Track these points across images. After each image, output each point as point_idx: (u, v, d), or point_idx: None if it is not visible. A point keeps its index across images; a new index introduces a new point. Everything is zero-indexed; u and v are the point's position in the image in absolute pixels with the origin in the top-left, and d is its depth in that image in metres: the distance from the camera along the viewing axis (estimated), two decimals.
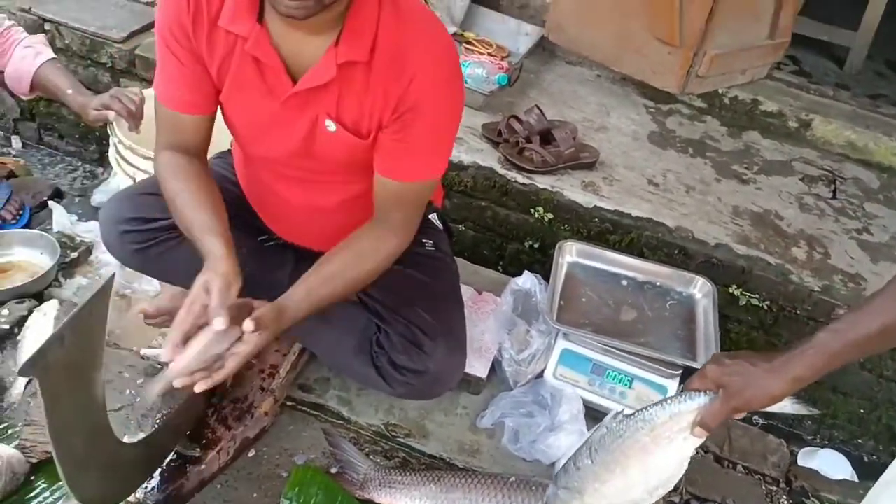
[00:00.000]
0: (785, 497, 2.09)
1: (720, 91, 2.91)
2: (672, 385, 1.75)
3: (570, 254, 1.99)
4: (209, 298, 1.23)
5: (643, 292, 1.95)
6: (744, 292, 2.30)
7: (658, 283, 1.97)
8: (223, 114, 1.49)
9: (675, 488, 1.94)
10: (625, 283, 1.97)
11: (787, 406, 1.18)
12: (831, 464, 2.20)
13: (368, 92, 1.33)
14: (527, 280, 1.95)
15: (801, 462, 2.19)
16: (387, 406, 1.80)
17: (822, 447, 2.34)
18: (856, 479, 2.20)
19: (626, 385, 1.76)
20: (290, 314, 1.36)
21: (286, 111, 1.37)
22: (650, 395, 1.74)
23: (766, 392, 1.11)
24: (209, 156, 1.57)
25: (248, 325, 1.23)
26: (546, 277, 1.98)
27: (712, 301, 1.88)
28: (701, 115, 2.94)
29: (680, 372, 1.75)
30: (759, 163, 2.73)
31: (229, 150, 1.82)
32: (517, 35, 2.97)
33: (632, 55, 2.70)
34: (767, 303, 2.30)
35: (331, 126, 1.37)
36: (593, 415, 1.76)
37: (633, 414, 1.22)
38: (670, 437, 1.19)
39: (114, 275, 1.12)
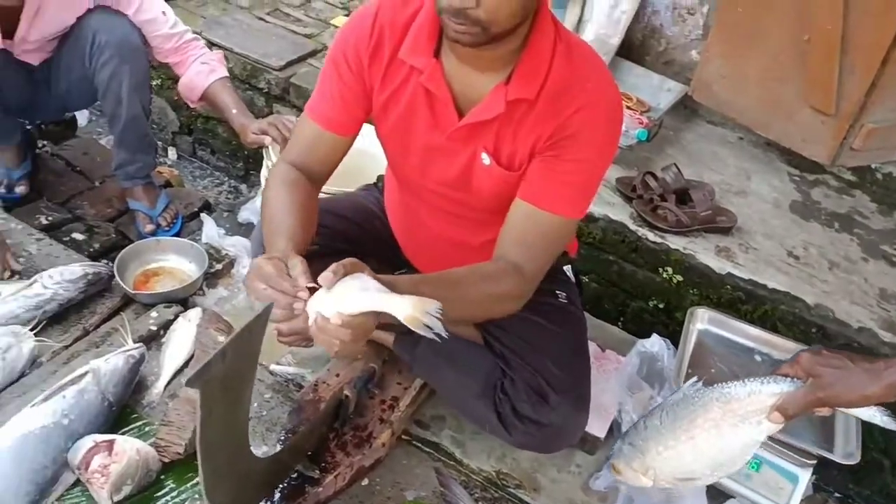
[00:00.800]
0: None
1: (873, 166, 2.77)
2: (804, 475, 1.65)
3: (703, 321, 1.93)
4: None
5: None
6: None
7: None
8: (384, 143, 1.54)
9: None
10: (759, 358, 1.89)
11: (875, 415, 1.11)
12: None
13: (527, 127, 1.35)
14: (655, 343, 1.91)
15: None
16: (499, 453, 1.79)
17: None
18: None
19: (753, 468, 1.68)
20: (393, 286, 1.20)
21: (449, 143, 1.41)
22: (779, 482, 1.65)
23: (858, 390, 1.07)
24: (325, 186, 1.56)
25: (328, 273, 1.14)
26: (671, 340, 1.93)
27: None
28: (850, 189, 2.79)
29: (814, 462, 1.65)
30: None
31: (375, 184, 1.89)
32: (659, 90, 2.94)
33: (781, 121, 2.61)
34: None
35: (486, 159, 1.40)
36: (713, 493, 1.69)
37: (713, 385, 1.18)
38: (744, 416, 1.14)
39: (273, 304, 1.15)
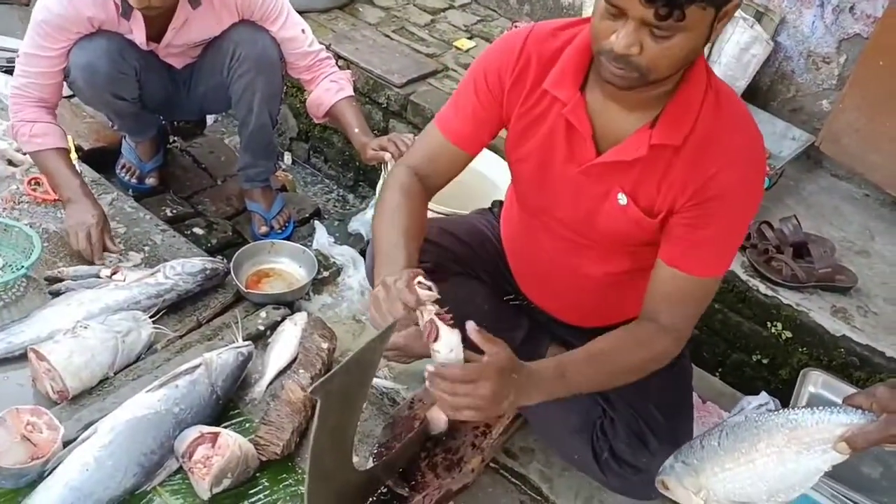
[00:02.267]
0: None
1: None
2: None
3: (816, 385, 1.85)
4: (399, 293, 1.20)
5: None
6: None
7: None
8: (515, 168, 1.55)
9: None
10: None
11: None
12: None
13: (670, 175, 1.33)
14: (763, 400, 1.83)
15: None
16: (587, 494, 1.76)
17: None
18: None
19: None
20: (537, 376, 1.28)
21: (583, 178, 1.41)
22: None
23: None
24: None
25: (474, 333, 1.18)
26: (775, 396, 1.85)
27: None
28: None
29: None
30: None
31: (490, 209, 1.90)
32: (783, 138, 2.83)
33: None
34: None
35: (622, 200, 1.38)
36: None
37: (778, 410, 1.15)
38: (809, 445, 1.11)
39: (397, 320, 1.17)
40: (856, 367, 2.20)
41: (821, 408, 1.13)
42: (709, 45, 2.74)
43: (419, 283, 1.19)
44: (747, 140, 1.32)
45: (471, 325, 1.20)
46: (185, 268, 1.94)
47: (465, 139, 1.51)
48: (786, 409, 1.16)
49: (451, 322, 1.20)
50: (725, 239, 1.36)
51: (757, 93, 2.95)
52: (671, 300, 1.39)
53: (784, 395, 1.86)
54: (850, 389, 1.85)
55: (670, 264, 1.37)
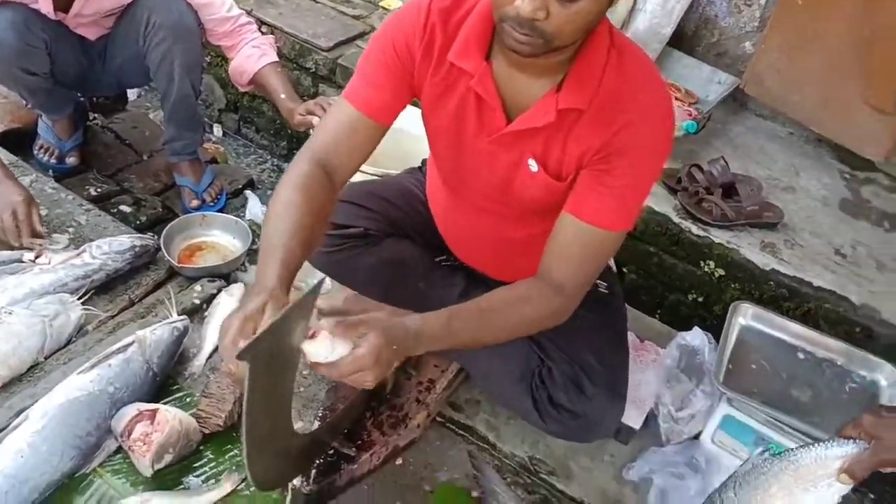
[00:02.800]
0: None
1: None
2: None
3: (745, 317, 1.90)
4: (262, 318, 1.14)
5: (821, 370, 1.83)
6: None
7: (838, 363, 1.84)
8: (430, 139, 1.54)
9: None
10: (801, 356, 1.86)
11: None
12: None
13: (576, 136, 1.33)
14: (696, 336, 1.88)
15: None
16: (533, 439, 1.79)
17: None
18: None
19: None
20: (424, 337, 1.27)
21: (495, 148, 1.40)
22: None
23: None
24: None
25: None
26: (714, 337, 1.91)
27: None
28: None
29: None
30: None
31: (419, 168, 1.89)
32: (709, 83, 2.88)
33: (837, 118, 2.55)
34: None
35: (533, 167, 1.38)
36: None
37: (779, 453, 1.22)
38: (814, 481, 1.17)
39: (322, 279, 1.18)
40: (785, 298, 2.28)
41: (816, 443, 1.21)
42: None
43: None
44: (652, 97, 1.32)
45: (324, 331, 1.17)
46: (112, 246, 1.89)
47: (379, 109, 1.42)
48: (787, 451, 1.22)
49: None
50: (627, 192, 1.34)
51: (682, 39, 2.98)
52: (566, 252, 1.37)
53: (718, 330, 1.91)
54: (780, 320, 1.93)
55: (570, 212, 1.36)
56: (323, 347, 1.14)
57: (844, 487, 1.17)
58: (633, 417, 1.78)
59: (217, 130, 3.27)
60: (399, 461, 1.70)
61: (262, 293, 1.17)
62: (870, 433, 1.15)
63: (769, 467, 1.22)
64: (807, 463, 1.19)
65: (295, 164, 1.40)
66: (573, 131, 1.33)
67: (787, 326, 1.91)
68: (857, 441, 1.16)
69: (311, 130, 2.20)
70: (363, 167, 1.96)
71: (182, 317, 1.76)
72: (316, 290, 1.12)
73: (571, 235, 1.36)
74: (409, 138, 2.10)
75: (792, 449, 1.22)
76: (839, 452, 1.17)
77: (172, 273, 1.99)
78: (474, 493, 1.63)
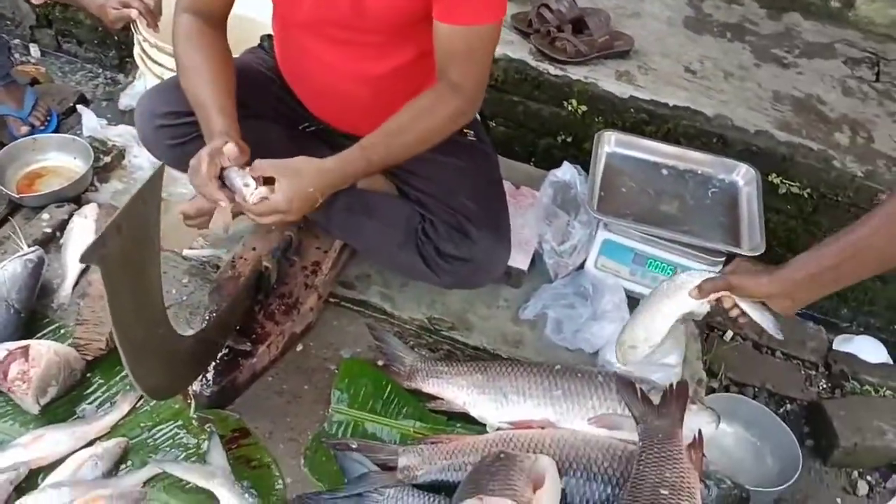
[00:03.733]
0: (824, 380, 2.12)
1: None
2: (716, 272, 1.73)
3: (610, 144, 1.95)
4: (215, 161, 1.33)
5: (684, 181, 1.91)
6: (784, 180, 2.26)
7: (699, 172, 1.93)
8: None
9: (715, 374, 2.00)
10: (665, 172, 1.93)
11: (766, 318, 1.32)
12: (868, 350, 2.21)
13: None
14: (566, 171, 1.92)
15: (837, 348, 2.20)
16: (429, 301, 1.81)
17: (858, 334, 2.34)
18: (892, 363, 2.21)
19: (668, 274, 1.75)
20: (341, 172, 1.39)
21: None
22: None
23: (757, 282, 1.26)
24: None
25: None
26: (583, 170, 1.95)
27: (756, 187, 1.84)
28: None
29: (723, 259, 1.73)
30: (800, 46, 2.63)
31: (260, 45, 1.77)
32: None
33: None
34: (808, 190, 2.26)
35: None
36: (634, 304, 1.76)
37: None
38: (670, 294, 1.41)
39: (163, 165, 1.11)
40: (646, 122, 2.35)
41: (692, 272, 1.43)
42: None
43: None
44: None
45: (257, 164, 1.34)
46: None
47: None
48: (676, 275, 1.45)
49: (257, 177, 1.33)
50: None
51: None
52: (455, 56, 1.40)
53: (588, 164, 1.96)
54: (642, 141, 1.99)
55: (444, 21, 1.37)
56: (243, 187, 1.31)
57: (690, 303, 1.38)
58: (519, 260, 1.82)
59: (34, 50, 2.96)
60: (300, 347, 1.68)
61: (217, 137, 1.34)
62: (728, 270, 1.35)
63: (657, 287, 1.46)
64: (676, 280, 1.42)
65: (176, 25, 1.48)
66: None
67: (649, 146, 1.97)
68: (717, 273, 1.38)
69: (132, 27, 2.02)
70: None
71: (34, 248, 1.64)
72: (157, 176, 1.04)
73: (454, 41, 1.39)
74: (244, 22, 1.96)
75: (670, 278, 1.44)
76: (699, 277, 1.38)
77: (14, 206, 1.84)
78: (379, 363, 1.64)
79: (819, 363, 2.13)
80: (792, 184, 2.26)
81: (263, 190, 1.32)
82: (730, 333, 2.15)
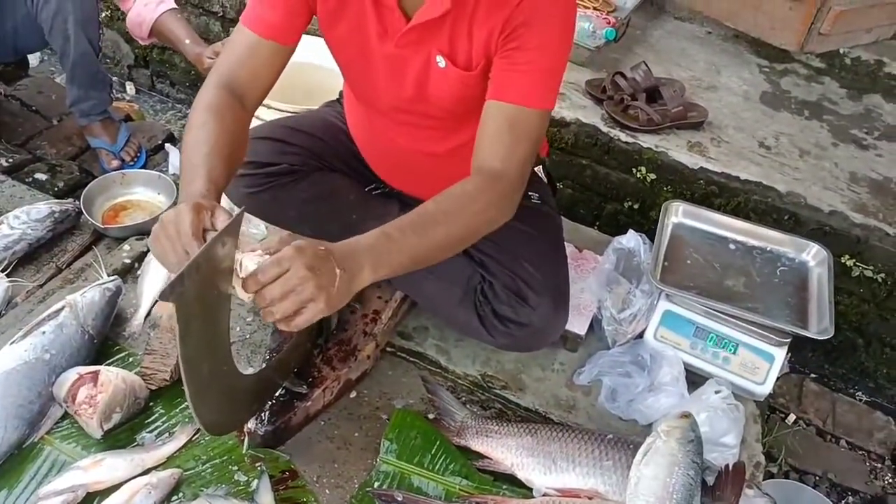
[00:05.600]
0: (890, 474, 2.02)
1: (841, 51, 2.75)
2: (780, 353, 1.69)
3: (677, 214, 1.94)
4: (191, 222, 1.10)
5: (752, 257, 1.89)
6: (857, 263, 2.20)
7: (768, 249, 1.90)
8: (335, 56, 1.49)
9: (774, 458, 1.93)
10: (733, 246, 1.91)
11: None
12: None
13: (477, 21, 1.31)
14: (631, 239, 1.91)
15: None
16: (484, 358, 1.82)
17: None
18: None
19: (730, 351, 1.72)
20: (357, 245, 1.18)
21: (401, 51, 1.37)
22: (756, 361, 1.69)
23: None
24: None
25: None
26: (648, 238, 1.94)
27: (827, 269, 1.79)
28: (819, 76, 2.78)
29: (789, 340, 1.69)
30: (880, 128, 2.58)
31: (338, 100, 1.85)
32: None
33: (750, 10, 2.57)
34: (882, 275, 2.20)
35: (441, 62, 1.36)
36: (693, 379, 1.73)
37: None
38: None
39: (244, 208, 1.16)
40: (716, 195, 2.33)
41: None
42: None
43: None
44: None
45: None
46: (30, 215, 1.83)
47: (277, 30, 1.38)
48: None
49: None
50: (544, 62, 1.33)
51: None
52: (498, 138, 1.33)
53: (655, 233, 1.95)
54: (710, 214, 1.97)
55: (493, 98, 1.34)
56: (253, 263, 1.10)
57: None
58: (578, 324, 1.81)
59: (130, 88, 3.15)
60: (353, 394, 1.70)
61: (200, 198, 1.14)
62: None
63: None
64: None
65: (203, 91, 1.36)
66: (475, 16, 1.31)
67: (717, 220, 1.95)
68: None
69: None
70: (281, 105, 1.93)
71: (113, 277, 1.72)
72: (238, 221, 1.09)
73: (500, 120, 1.33)
74: (321, 72, 2.05)
75: None
76: None
77: (98, 235, 1.94)
78: (430, 416, 1.65)
79: (886, 455, 2.04)
80: (865, 267, 2.20)
81: (258, 253, 1.12)
82: (792, 416, 2.09)
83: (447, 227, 1.26)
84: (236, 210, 1.18)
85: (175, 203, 2.04)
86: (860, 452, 2.05)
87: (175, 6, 2.18)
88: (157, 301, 1.76)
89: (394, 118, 1.53)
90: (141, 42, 2.29)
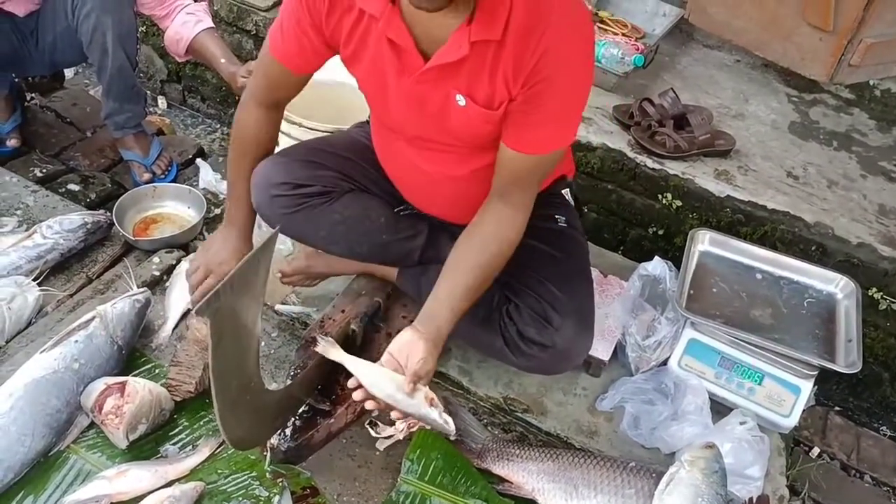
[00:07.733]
0: None
1: (871, 82, 2.74)
2: (806, 385, 1.68)
3: (703, 242, 1.94)
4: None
5: (779, 287, 1.88)
6: (885, 296, 2.17)
7: (795, 280, 1.89)
8: (361, 89, 1.53)
9: (797, 492, 1.90)
10: (759, 276, 1.90)
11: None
12: None
13: (500, 67, 1.32)
14: (657, 266, 1.91)
15: None
16: (506, 380, 1.82)
17: None
18: None
19: (756, 381, 1.71)
20: (438, 320, 1.43)
21: (419, 87, 1.39)
22: (782, 393, 1.68)
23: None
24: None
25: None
26: (674, 265, 1.94)
27: (855, 301, 1.78)
28: (848, 107, 2.77)
29: (815, 373, 1.67)
30: None
31: (367, 122, 1.87)
32: (654, 16, 2.88)
33: (779, 40, 2.57)
34: None
35: (461, 101, 1.38)
36: (718, 408, 1.72)
37: None
38: None
39: (278, 229, 1.18)
40: (742, 223, 2.32)
41: None
42: None
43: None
44: (567, 16, 1.30)
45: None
46: (63, 225, 1.86)
47: (304, 66, 1.52)
48: None
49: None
50: (562, 116, 1.38)
51: None
52: (517, 180, 1.45)
53: (680, 261, 1.94)
54: (737, 243, 1.96)
55: (512, 148, 1.40)
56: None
57: None
58: (601, 350, 1.81)
59: (162, 102, 3.19)
60: (376, 413, 1.70)
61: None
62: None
63: None
64: None
65: (244, 111, 1.62)
66: (497, 65, 1.32)
67: (744, 249, 1.95)
68: None
69: None
70: (313, 124, 1.95)
71: (142, 289, 1.74)
72: (272, 241, 1.11)
73: (516, 164, 1.42)
74: (354, 92, 2.07)
75: None
76: None
77: (129, 247, 1.97)
78: (452, 437, 1.65)
79: None
80: (893, 300, 2.17)
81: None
82: (816, 450, 2.06)
83: (485, 272, 1.47)
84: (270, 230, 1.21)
85: (205, 215, 2.06)
86: (885, 489, 2.01)
87: (212, 25, 2.22)
88: (184, 314, 1.78)
89: (416, 144, 1.55)
90: (178, 59, 2.33)
